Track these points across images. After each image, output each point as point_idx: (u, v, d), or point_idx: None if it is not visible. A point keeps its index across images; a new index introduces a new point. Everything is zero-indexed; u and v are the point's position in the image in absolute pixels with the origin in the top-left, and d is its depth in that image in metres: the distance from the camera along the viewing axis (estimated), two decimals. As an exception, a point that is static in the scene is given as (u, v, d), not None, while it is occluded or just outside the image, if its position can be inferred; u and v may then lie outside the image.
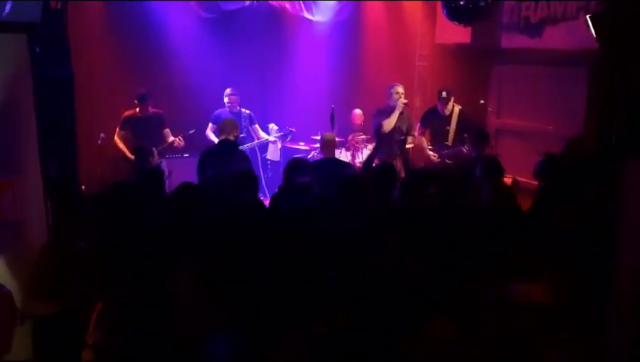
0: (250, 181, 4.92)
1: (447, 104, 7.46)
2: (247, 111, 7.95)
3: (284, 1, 9.22)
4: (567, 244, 3.42)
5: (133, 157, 6.89)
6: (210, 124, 7.69)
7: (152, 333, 2.95)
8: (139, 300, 3.21)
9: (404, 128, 7.50)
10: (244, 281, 3.53)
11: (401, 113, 7.47)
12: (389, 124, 7.39)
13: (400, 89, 7.50)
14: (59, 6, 5.54)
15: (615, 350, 1.95)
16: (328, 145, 6.33)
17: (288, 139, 8.51)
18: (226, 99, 7.84)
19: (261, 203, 4.75)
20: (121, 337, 2.97)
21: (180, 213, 4.32)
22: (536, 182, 6.73)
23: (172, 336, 2.94)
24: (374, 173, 5.23)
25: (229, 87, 7.94)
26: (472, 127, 7.35)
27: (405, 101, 7.47)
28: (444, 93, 7.45)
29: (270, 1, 9.15)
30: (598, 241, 3.46)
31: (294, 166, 5.29)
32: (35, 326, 3.16)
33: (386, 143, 7.33)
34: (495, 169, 5.45)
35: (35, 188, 4.04)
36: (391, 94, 7.50)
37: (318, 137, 8.54)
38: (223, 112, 7.66)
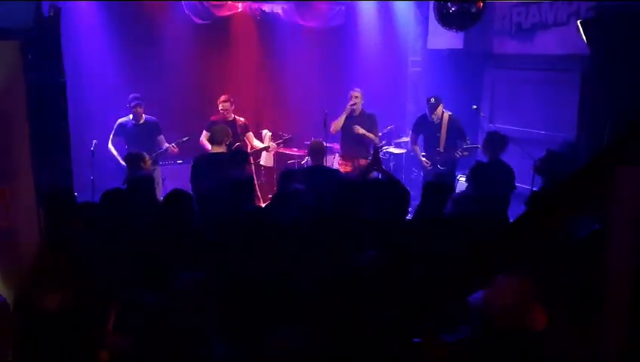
0: (246, 187, 4.95)
1: (434, 111, 7.52)
2: (242, 119, 7.93)
3: (277, 5, 9.24)
4: (559, 248, 3.44)
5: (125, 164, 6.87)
6: (204, 132, 7.65)
7: (161, 338, 2.95)
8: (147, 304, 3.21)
9: (360, 130, 7.59)
10: (240, 286, 3.54)
11: (360, 116, 7.64)
12: (335, 125, 7.68)
13: (353, 93, 7.67)
14: (52, 13, 5.53)
15: (608, 350, 1.97)
16: (316, 152, 6.32)
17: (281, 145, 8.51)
18: (219, 107, 7.80)
19: (258, 209, 4.76)
20: (135, 340, 2.97)
21: (171, 219, 4.32)
22: (528, 187, 6.80)
23: (174, 342, 2.95)
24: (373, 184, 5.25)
25: (222, 93, 7.92)
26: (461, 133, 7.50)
27: (351, 103, 7.60)
28: (432, 100, 7.53)
29: (263, 7, 9.17)
30: (589, 246, 3.49)
31: (286, 176, 5.32)
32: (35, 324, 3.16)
33: (346, 144, 7.73)
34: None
35: (28, 195, 4.03)
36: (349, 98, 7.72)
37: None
38: (217, 120, 7.63)
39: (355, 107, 7.61)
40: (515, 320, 2.53)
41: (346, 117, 7.66)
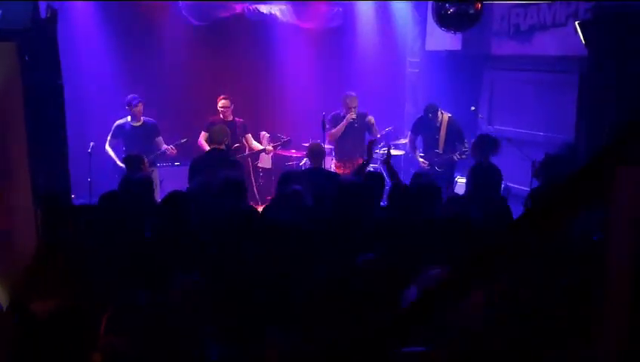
0: (236, 187, 4.92)
1: (435, 121, 7.57)
2: (241, 120, 7.92)
3: (274, 6, 9.23)
4: (557, 250, 3.43)
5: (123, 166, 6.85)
6: (202, 133, 7.64)
7: (156, 339, 2.94)
8: (141, 306, 3.19)
9: (358, 131, 7.63)
10: (237, 287, 3.53)
11: (359, 117, 7.62)
12: (334, 134, 7.70)
13: (350, 101, 7.63)
14: (48, 14, 5.53)
15: (608, 350, 1.97)
16: (315, 154, 6.30)
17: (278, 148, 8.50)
18: (219, 104, 7.78)
19: (254, 210, 4.74)
20: (129, 341, 2.96)
21: (169, 220, 4.31)
22: (527, 188, 6.79)
23: (170, 343, 2.94)
24: (362, 182, 5.22)
25: (220, 95, 7.91)
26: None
27: (354, 117, 7.58)
28: (430, 115, 7.55)
29: (261, 9, 9.15)
30: (587, 247, 3.48)
31: (285, 178, 5.29)
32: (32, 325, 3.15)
33: (342, 146, 7.70)
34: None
35: (25, 197, 4.01)
36: (344, 104, 7.67)
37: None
38: (216, 121, 7.62)
39: (354, 116, 7.60)
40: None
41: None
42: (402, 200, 4.77)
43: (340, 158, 7.83)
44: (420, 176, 5.70)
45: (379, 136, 8.18)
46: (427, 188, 5.00)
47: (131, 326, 2.94)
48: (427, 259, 3.70)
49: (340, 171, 7.60)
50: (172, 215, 4.32)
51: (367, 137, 7.87)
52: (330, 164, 8.22)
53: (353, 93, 7.73)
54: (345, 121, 7.61)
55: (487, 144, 6.16)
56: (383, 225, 4.32)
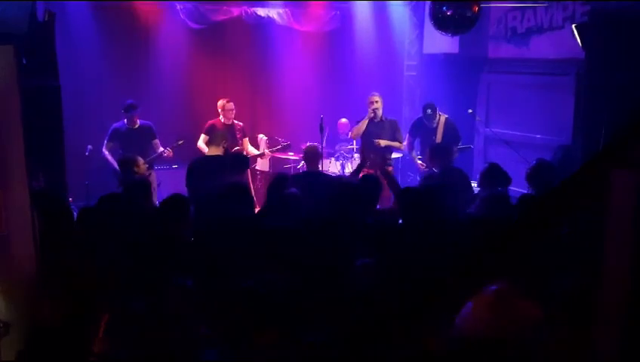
0: (244, 195, 4.93)
1: (433, 120, 7.55)
2: (241, 123, 7.91)
3: (272, 9, 9.24)
4: (555, 252, 3.43)
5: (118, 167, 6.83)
6: (202, 135, 7.62)
7: (154, 346, 2.94)
8: (138, 312, 3.19)
9: (384, 136, 7.45)
10: (235, 291, 3.52)
11: (381, 122, 7.50)
12: (356, 131, 7.57)
13: (373, 98, 7.52)
14: (46, 18, 5.52)
15: (607, 350, 1.97)
16: (311, 157, 6.28)
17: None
18: (226, 108, 7.74)
19: (255, 215, 4.74)
20: (127, 349, 2.95)
21: (169, 222, 4.31)
22: (525, 191, 6.79)
23: (168, 348, 2.93)
24: (359, 184, 5.21)
25: (218, 97, 7.89)
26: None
27: (373, 107, 7.43)
28: (428, 111, 7.53)
29: (259, 12, 9.16)
30: (585, 248, 3.48)
31: (276, 183, 5.28)
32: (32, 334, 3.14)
33: (364, 151, 7.37)
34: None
35: (22, 200, 3.99)
36: (367, 104, 7.59)
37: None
38: (216, 123, 7.61)
39: (377, 111, 7.45)
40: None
41: (368, 122, 7.49)
42: (415, 200, 4.74)
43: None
44: (430, 178, 5.73)
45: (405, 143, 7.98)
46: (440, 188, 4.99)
47: (130, 329, 2.93)
48: (427, 261, 3.71)
49: None
50: (172, 217, 4.32)
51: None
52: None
53: (375, 93, 7.62)
54: (367, 116, 7.47)
55: (443, 151, 6.30)
56: (381, 227, 4.33)
